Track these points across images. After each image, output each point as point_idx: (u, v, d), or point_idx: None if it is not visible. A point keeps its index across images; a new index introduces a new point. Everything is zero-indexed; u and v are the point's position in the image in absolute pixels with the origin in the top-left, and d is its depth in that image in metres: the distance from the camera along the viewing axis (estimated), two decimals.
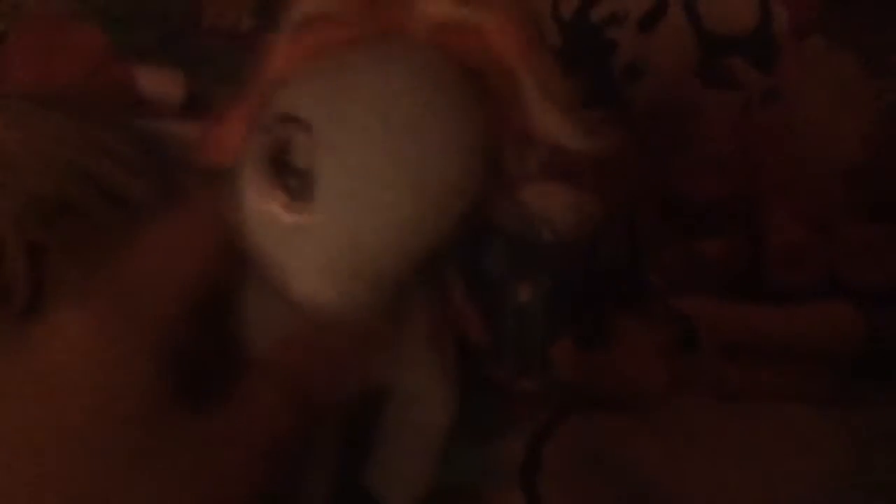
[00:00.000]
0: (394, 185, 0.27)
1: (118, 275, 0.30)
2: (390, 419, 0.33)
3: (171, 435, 0.26)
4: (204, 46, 0.90)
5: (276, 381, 0.29)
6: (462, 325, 0.36)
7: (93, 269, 0.54)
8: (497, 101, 0.31)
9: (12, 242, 0.49)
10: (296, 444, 0.29)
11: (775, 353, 0.59)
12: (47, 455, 0.25)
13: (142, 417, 0.26)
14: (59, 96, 0.62)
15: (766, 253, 0.64)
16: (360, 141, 0.27)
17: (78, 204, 0.55)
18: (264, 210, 0.28)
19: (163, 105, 0.69)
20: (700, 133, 0.75)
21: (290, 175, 0.28)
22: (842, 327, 0.59)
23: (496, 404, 0.53)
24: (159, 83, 0.70)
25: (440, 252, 0.29)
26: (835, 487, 0.53)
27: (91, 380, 0.26)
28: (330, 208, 0.28)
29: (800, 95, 0.71)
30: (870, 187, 0.65)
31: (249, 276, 0.31)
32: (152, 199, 0.59)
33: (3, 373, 0.27)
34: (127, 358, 0.27)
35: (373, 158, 0.27)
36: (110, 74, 0.68)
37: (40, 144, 0.55)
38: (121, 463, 0.25)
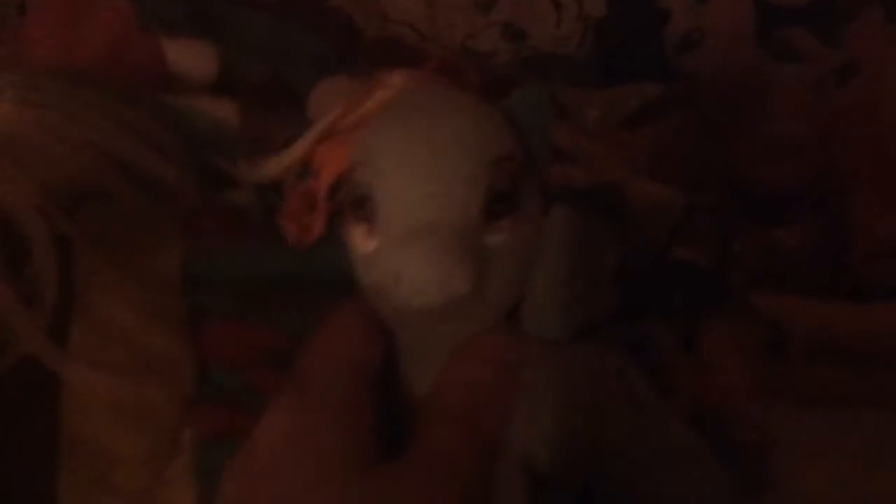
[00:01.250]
0: (424, 163, 0.35)
1: (308, 371, 0.36)
2: None
3: (383, 490, 0.31)
4: (235, 15, 0.85)
5: (453, 417, 0.33)
6: None
7: (125, 261, 0.50)
8: None
9: (38, 237, 0.44)
10: (483, 481, 0.32)
11: (868, 355, 0.54)
12: None
13: (360, 482, 0.31)
14: (81, 72, 0.57)
15: (853, 246, 0.58)
16: (396, 151, 0.36)
17: (102, 189, 0.51)
18: (359, 250, 0.35)
19: (194, 80, 0.64)
20: (768, 111, 0.69)
21: (361, 209, 0.35)
22: None
23: None
24: (189, 57, 0.65)
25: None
26: None
27: (310, 463, 0.32)
28: (390, 208, 0.35)
29: (884, 70, 0.65)
30: None
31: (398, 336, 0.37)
32: (182, 181, 0.55)
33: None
34: (334, 439, 0.32)
35: (408, 156, 0.36)
36: (137, 48, 0.62)
37: (61, 124, 0.50)
38: None
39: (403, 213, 0.34)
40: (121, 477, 0.41)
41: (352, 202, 0.35)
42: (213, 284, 0.51)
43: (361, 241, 0.35)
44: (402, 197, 0.34)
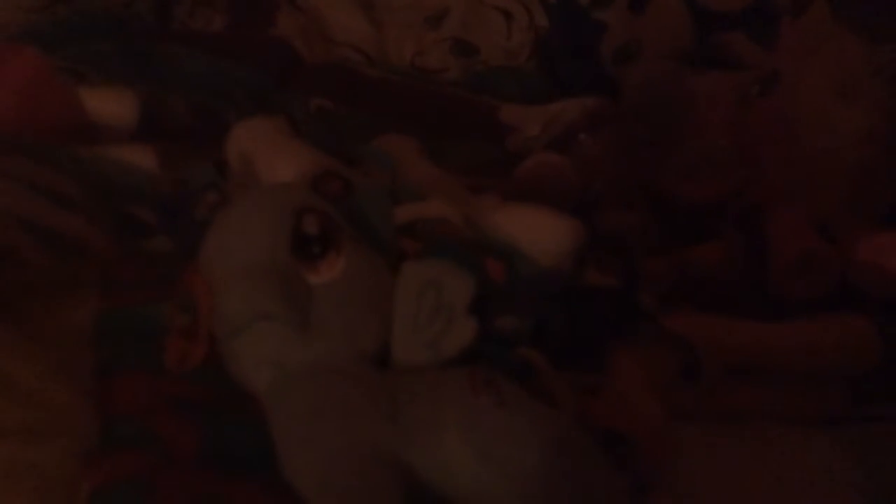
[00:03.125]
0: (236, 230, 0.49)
1: None
2: None
3: None
4: (167, 54, 0.85)
5: None
6: None
7: (30, 319, 0.51)
8: None
9: None
10: None
11: (783, 372, 0.54)
12: None
13: None
14: None
15: (770, 261, 0.58)
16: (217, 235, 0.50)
17: (11, 252, 0.51)
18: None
19: (114, 128, 0.65)
20: (695, 125, 0.69)
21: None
22: (855, 342, 0.54)
23: None
24: (109, 104, 0.65)
25: None
26: None
27: None
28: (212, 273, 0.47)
29: (800, 81, 0.65)
30: (873, 188, 0.59)
31: None
32: (95, 234, 0.55)
33: None
34: None
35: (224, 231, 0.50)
36: (52, 99, 0.63)
37: None
38: None
39: (221, 267, 0.45)
40: None
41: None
42: (124, 337, 0.52)
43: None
44: (219, 258, 0.45)
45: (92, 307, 0.53)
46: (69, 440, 0.46)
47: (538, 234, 0.53)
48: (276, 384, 0.44)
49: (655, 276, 0.61)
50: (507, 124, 0.90)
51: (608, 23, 0.90)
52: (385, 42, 1.07)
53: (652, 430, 0.48)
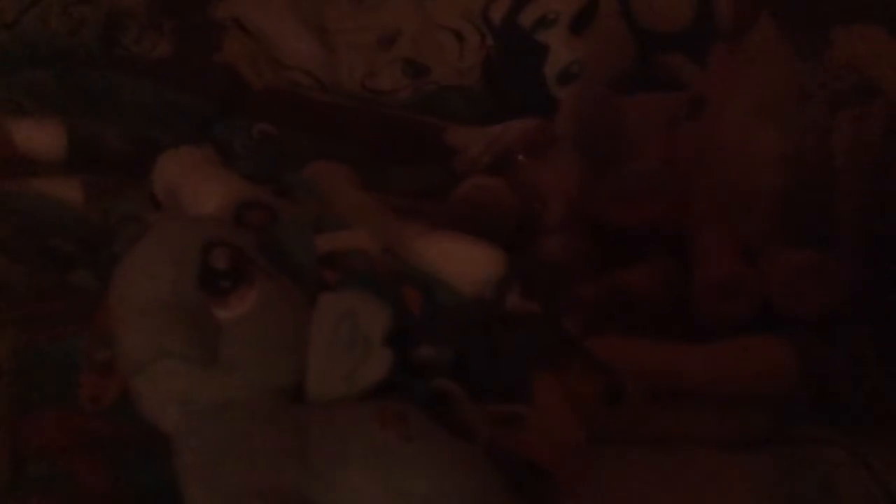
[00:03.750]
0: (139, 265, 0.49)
1: None
2: None
3: None
4: (108, 82, 0.85)
5: None
6: None
7: None
8: None
9: None
10: None
11: (705, 395, 0.54)
12: None
13: None
14: None
15: (694, 286, 0.59)
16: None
17: None
18: None
19: (43, 160, 0.64)
20: (626, 148, 0.69)
21: None
22: (774, 364, 0.54)
23: None
24: (38, 137, 0.65)
25: None
26: None
27: None
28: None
29: (725, 104, 0.66)
30: (795, 211, 0.60)
31: None
32: (12, 270, 0.55)
33: None
34: None
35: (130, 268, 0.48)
36: None
37: None
38: None
39: (125, 302, 0.44)
40: None
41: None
42: (41, 373, 0.52)
43: None
44: (123, 294, 0.45)
45: (9, 343, 0.52)
46: None
47: (459, 262, 0.53)
48: (182, 423, 0.44)
49: (584, 301, 0.61)
50: (452, 146, 0.91)
51: (550, 44, 0.90)
52: (336, 64, 1.07)
53: (569, 459, 0.48)
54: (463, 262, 0.53)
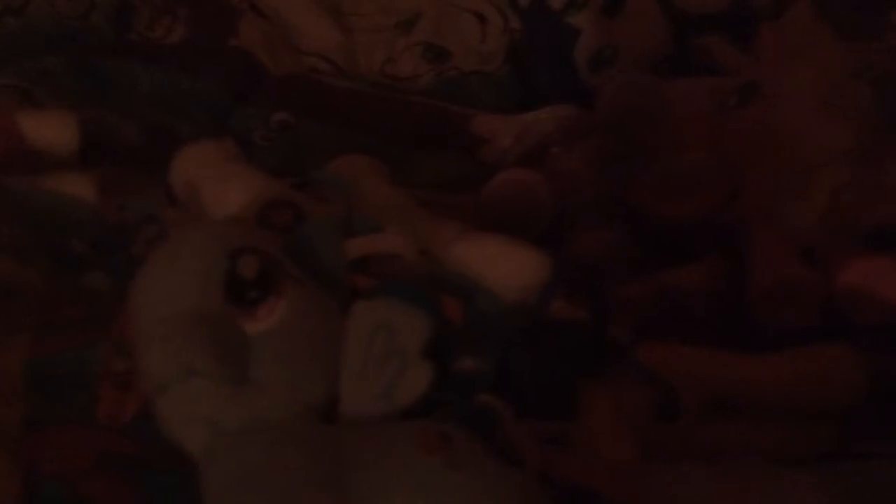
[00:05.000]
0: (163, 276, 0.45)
1: None
2: None
3: None
4: (122, 71, 0.81)
5: None
6: None
7: None
8: None
9: None
10: None
11: (765, 408, 0.51)
12: None
13: None
14: None
15: (750, 289, 0.55)
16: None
17: None
18: None
19: (54, 154, 0.61)
20: (671, 137, 0.65)
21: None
22: (840, 375, 0.51)
23: None
24: (49, 130, 0.62)
25: None
26: None
27: None
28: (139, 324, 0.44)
29: (781, 90, 0.62)
30: (865, 207, 0.56)
31: None
32: (25, 274, 0.52)
33: None
34: None
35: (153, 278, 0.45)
36: None
37: None
38: None
39: (147, 316, 0.42)
40: None
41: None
42: (57, 385, 0.49)
43: None
44: (145, 306, 0.42)
45: (23, 353, 0.49)
46: None
47: (501, 267, 0.50)
48: (209, 445, 0.40)
49: (631, 303, 0.57)
50: (480, 135, 0.87)
51: (582, 27, 0.86)
52: (354, 49, 1.03)
53: (622, 481, 0.44)
54: (505, 267, 0.50)
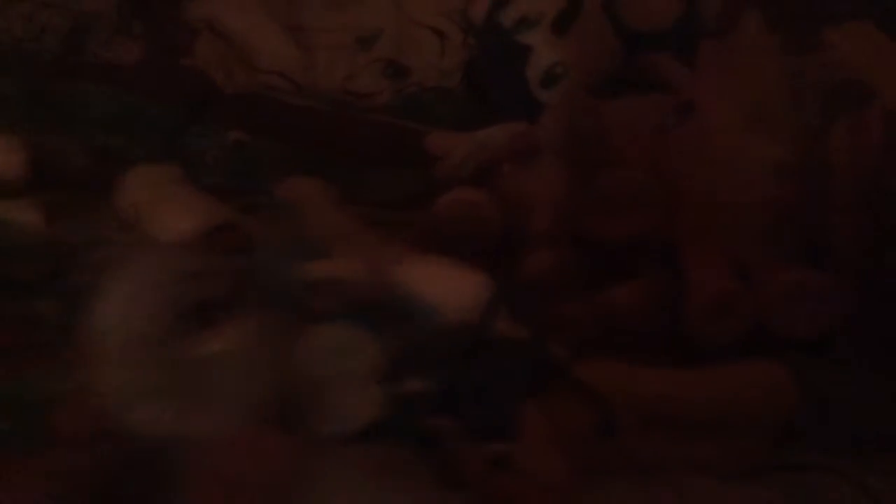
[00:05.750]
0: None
1: None
2: None
3: None
4: (74, 94, 0.82)
5: None
6: None
7: None
8: None
9: None
10: None
11: (700, 422, 0.52)
12: None
13: None
14: None
15: (687, 303, 0.56)
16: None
17: None
18: None
19: (3, 181, 0.61)
20: (611, 156, 0.67)
21: None
22: (771, 390, 0.52)
23: None
24: None
25: None
26: None
27: None
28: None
29: (713, 107, 0.63)
30: (789, 224, 0.57)
31: None
32: None
33: None
34: None
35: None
36: None
37: None
38: None
39: (101, 341, 0.42)
40: None
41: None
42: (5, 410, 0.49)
43: None
44: (99, 332, 0.43)
45: None
46: None
47: (443, 288, 0.51)
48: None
49: (573, 321, 0.59)
50: (433, 152, 0.88)
51: (532, 45, 0.88)
52: (314, 66, 1.04)
53: (555, 501, 0.46)
54: (447, 288, 0.51)
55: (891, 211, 0.55)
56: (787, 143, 0.59)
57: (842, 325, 0.55)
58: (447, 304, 0.51)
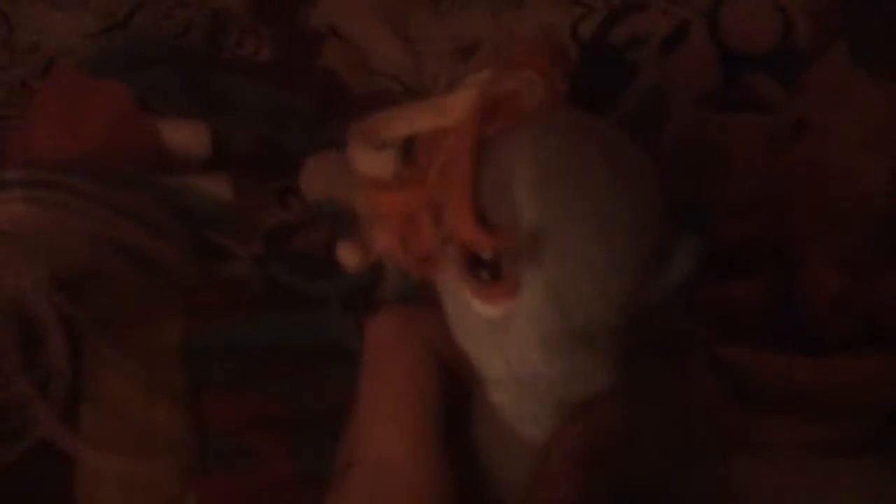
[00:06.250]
0: (589, 241, 0.31)
1: (365, 459, 0.34)
2: None
3: None
4: (226, 84, 0.89)
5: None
6: None
7: (127, 339, 0.55)
8: None
9: (49, 324, 0.49)
10: None
11: (818, 404, 0.58)
12: None
13: None
14: (83, 162, 0.61)
15: (804, 303, 0.63)
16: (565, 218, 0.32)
17: (104, 272, 0.55)
18: (473, 311, 0.32)
19: (189, 158, 0.69)
20: (727, 170, 0.73)
21: (482, 270, 0.32)
22: (880, 378, 0.58)
23: None
24: (184, 136, 0.70)
25: (642, 303, 0.33)
26: None
27: None
28: (545, 284, 0.31)
29: (829, 128, 0.70)
30: None
31: (477, 409, 0.35)
32: (180, 258, 0.59)
33: None
34: None
35: (572, 226, 0.32)
36: (135, 131, 0.67)
37: (65, 217, 0.55)
38: None
39: (564, 310, 0.31)
40: None
41: (481, 259, 0.32)
42: (211, 357, 0.56)
43: (483, 301, 0.32)
44: (567, 290, 0.31)
45: (179, 329, 0.57)
46: (172, 457, 0.49)
47: None
48: None
49: (699, 309, 0.65)
50: None
51: (639, 63, 0.94)
52: (422, 72, 1.11)
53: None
54: None
55: None
56: (893, 167, 0.65)
57: None
58: None
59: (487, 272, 0.32)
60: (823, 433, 0.59)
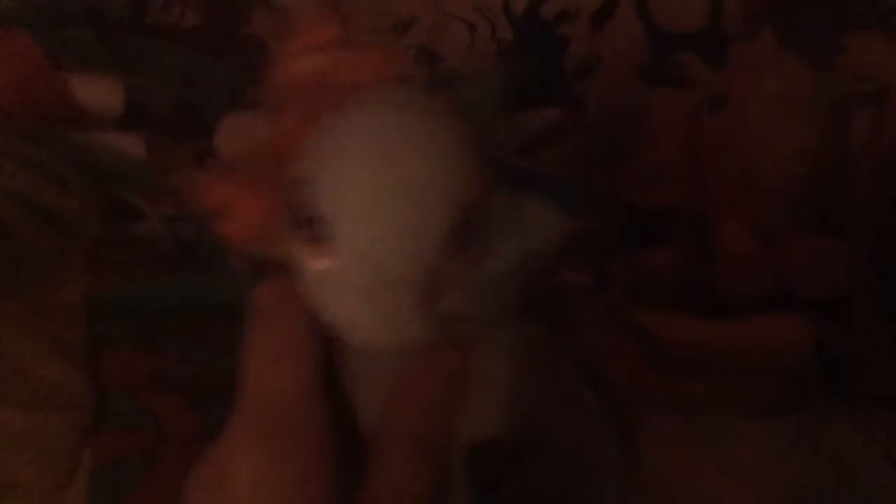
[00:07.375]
0: (392, 202, 0.33)
1: (252, 396, 0.35)
2: None
3: None
4: (144, 48, 0.87)
5: (407, 444, 0.33)
6: None
7: (26, 294, 0.53)
8: None
9: None
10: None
11: (726, 366, 0.59)
12: None
13: None
14: None
15: (715, 266, 0.64)
16: (360, 177, 0.34)
17: (6, 227, 0.53)
18: (304, 266, 0.34)
19: (102, 115, 0.67)
20: (648, 138, 0.74)
21: (307, 227, 0.34)
22: (791, 339, 0.59)
23: None
24: (97, 92, 0.67)
25: (462, 264, 0.34)
26: (792, 498, 0.54)
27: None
28: (347, 240, 0.33)
29: (747, 101, 0.71)
30: (814, 201, 0.65)
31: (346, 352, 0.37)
32: (85, 214, 0.57)
33: None
34: (294, 469, 0.33)
35: (373, 188, 0.34)
36: (44, 85, 0.65)
37: None
38: None
39: (364, 263, 0.33)
40: (17, 502, 0.44)
41: (301, 218, 0.34)
42: (114, 314, 0.54)
43: (309, 258, 0.34)
44: (365, 245, 0.33)
45: (82, 285, 0.55)
46: (67, 413, 0.48)
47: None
48: None
49: (615, 277, 0.65)
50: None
51: (570, 37, 0.94)
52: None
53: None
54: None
55: None
56: (813, 132, 0.67)
57: (854, 291, 0.62)
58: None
59: (308, 230, 0.34)
60: (734, 394, 0.60)
